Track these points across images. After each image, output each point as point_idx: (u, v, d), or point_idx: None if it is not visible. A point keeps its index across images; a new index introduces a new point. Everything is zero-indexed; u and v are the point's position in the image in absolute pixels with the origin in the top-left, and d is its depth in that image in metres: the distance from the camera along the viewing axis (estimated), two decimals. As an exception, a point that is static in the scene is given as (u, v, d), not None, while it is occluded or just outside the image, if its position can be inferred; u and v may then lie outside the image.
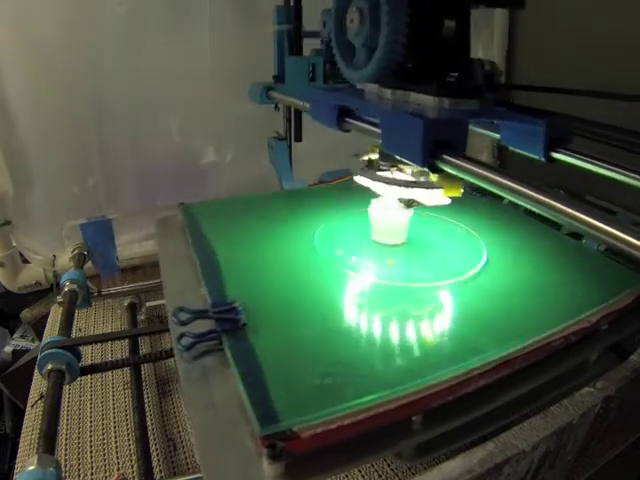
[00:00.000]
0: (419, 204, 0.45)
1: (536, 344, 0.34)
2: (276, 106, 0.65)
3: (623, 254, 0.21)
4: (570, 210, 0.23)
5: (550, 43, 0.82)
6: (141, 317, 0.65)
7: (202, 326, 0.35)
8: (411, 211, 0.47)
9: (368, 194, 0.48)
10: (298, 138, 0.69)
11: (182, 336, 0.34)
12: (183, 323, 0.35)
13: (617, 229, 0.21)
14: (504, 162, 0.95)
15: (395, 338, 0.35)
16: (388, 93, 0.39)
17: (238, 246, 0.48)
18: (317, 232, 0.51)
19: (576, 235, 0.52)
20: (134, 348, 0.56)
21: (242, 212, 0.56)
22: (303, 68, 0.53)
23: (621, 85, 0.42)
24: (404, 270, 0.45)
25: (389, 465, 0.42)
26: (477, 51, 0.89)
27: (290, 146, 0.70)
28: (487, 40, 0.89)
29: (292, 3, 0.57)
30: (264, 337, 0.34)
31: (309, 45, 0.57)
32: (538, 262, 0.46)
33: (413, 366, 0.32)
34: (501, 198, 0.62)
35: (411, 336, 0.36)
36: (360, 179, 0.45)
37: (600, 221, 0.22)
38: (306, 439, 0.26)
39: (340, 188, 0.65)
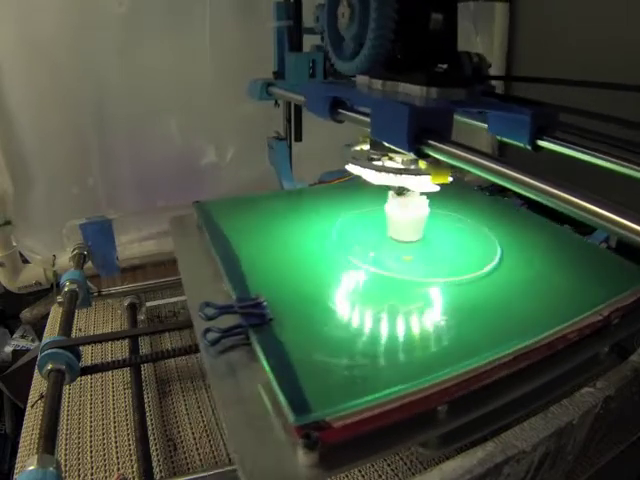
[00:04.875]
0: (410, 191, 0.46)
1: (553, 336, 0.35)
2: (276, 102, 0.65)
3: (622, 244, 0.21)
4: (556, 191, 0.23)
5: (550, 43, 0.82)
6: (141, 317, 0.65)
7: (225, 322, 0.35)
8: (427, 209, 0.48)
9: (382, 192, 0.49)
10: (298, 138, 0.69)
11: (208, 331, 0.35)
12: (210, 318, 0.36)
13: (605, 209, 0.21)
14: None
15: (418, 331, 0.36)
16: (378, 84, 0.40)
17: (256, 242, 0.48)
18: (335, 229, 0.51)
19: (584, 233, 0.53)
20: (134, 348, 0.56)
21: (257, 210, 0.57)
22: (303, 64, 0.53)
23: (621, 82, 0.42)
24: (422, 266, 0.46)
25: (389, 465, 0.42)
26: (477, 50, 0.89)
27: (290, 146, 0.70)
28: (488, 40, 0.89)
29: (292, -1, 0.57)
30: (290, 331, 0.35)
31: (309, 41, 0.57)
32: (550, 258, 0.47)
33: (438, 357, 0.33)
34: (500, 198, 0.62)
35: (434, 329, 0.36)
36: (351, 167, 0.46)
37: (588, 202, 0.22)
38: (338, 429, 0.27)
39: (353, 186, 0.65)
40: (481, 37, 0.88)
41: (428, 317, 0.38)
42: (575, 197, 0.22)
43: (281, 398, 0.28)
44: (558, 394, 0.36)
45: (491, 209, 0.59)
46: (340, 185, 0.67)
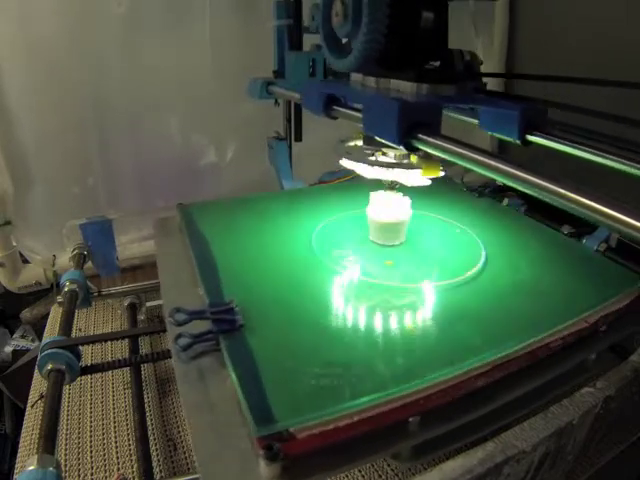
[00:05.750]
0: (402, 185, 0.46)
1: (534, 345, 0.34)
2: (276, 101, 0.65)
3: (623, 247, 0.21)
4: (544, 183, 0.23)
5: (550, 43, 0.82)
6: (141, 317, 0.65)
7: (200, 326, 0.35)
8: (409, 212, 0.48)
9: (367, 194, 0.48)
10: (298, 138, 0.69)
11: (179, 336, 0.34)
12: (180, 324, 0.35)
13: (603, 205, 0.21)
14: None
15: (392, 339, 0.35)
16: (372, 81, 0.41)
17: (236, 246, 0.48)
18: (315, 232, 0.50)
19: (576, 235, 0.52)
20: (134, 348, 0.56)
21: (240, 212, 0.56)
22: (303, 63, 0.53)
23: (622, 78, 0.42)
24: (402, 271, 0.45)
25: (389, 465, 0.42)
26: (477, 49, 0.89)
27: (290, 146, 0.70)
28: (488, 40, 0.89)
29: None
30: (261, 338, 0.34)
31: (309, 40, 0.57)
32: (537, 263, 0.46)
33: (410, 367, 0.32)
34: (500, 198, 0.62)
35: (408, 337, 0.36)
36: (345, 162, 0.46)
37: (587, 197, 0.22)
38: (302, 440, 0.27)
39: (339, 188, 0.65)
40: (481, 37, 0.88)
41: (403, 325, 0.37)
42: (563, 188, 0.22)
43: (245, 407, 0.28)
44: (542, 403, 0.35)
45: (478, 211, 0.58)
46: (338, 186, 0.66)
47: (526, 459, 0.33)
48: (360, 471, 0.42)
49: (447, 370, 0.31)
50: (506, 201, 0.61)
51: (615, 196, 0.21)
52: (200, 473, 0.27)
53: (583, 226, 0.52)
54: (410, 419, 0.29)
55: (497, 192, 0.63)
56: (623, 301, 0.40)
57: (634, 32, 0.67)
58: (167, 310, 0.37)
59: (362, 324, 0.37)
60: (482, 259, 0.46)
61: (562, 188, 0.23)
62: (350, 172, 0.62)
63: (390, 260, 0.46)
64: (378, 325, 0.37)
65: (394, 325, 0.37)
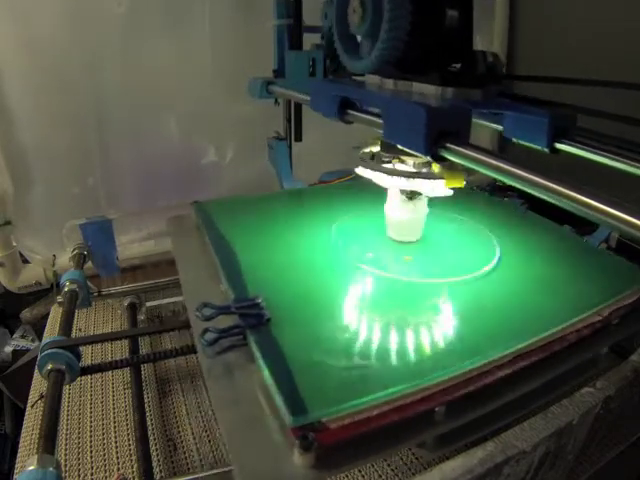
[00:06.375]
0: (421, 195, 0.45)
1: (551, 337, 0.35)
2: (276, 101, 0.65)
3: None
4: (579, 196, 0.22)
5: (550, 43, 0.82)
6: (141, 317, 0.65)
7: (223, 322, 0.35)
8: (426, 208, 0.48)
9: (382, 192, 0.49)
10: (298, 138, 0.69)
11: (206, 331, 0.35)
12: (208, 318, 0.36)
13: (629, 214, 0.20)
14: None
15: (417, 331, 0.36)
16: (390, 83, 0.39)
17: (255, 243, 0.48)
18: (333, 229, 0.51)
19: (582, 232, 0.53)
20: (134, 348, 0.56)
21: (256, 210, 0.57)
22: (303, 62, 0.53)
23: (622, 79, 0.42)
24: (421, 266, 0.46)
25: (389, 465, 0.42)
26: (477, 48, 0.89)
27: (290, 146, 0.70)
28: (488, 40, 0.89)
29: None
30: (288, 331, 0.35)
31: (309, 40, 0.57)
32: (549, 259, 0.47)
33: (436, 358, 0.33)
34: (499, 197, 0.62)
35: (433, 329, 0.36)
36: (361, 170, 0.45)
37: (611, 206, 0.21)
38: (335, 430, 0.27)
39: (354, 186, 0.65)
40: (481, 37, 0.88)
41: (426, 318, 0.38)
42: (611, 207, 0.21)
43: (278, 399, 0.28)
44: (558, 394, 0.36)
45: (490, 209, 0.59)
46: (340, 185, 0.67)
47: (526, 459, 0.33)
48: (360, 471, 0.42)
49: (471, 361, 0.32)
50: (506, 200, 0.61)
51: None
52: (234, 466, 0.27)
53: (583, 226, 0.52)
54: (436, 409, 0.30)
55: (496, 191, 0.63)
56: (635, 295, 0.40)
57: (634, 32, 0.67)
58: (191, 306, 0.38)
59: (387, 318, 0.37)
60: (497, 255, 0.46)
61: (584, 193, 0.22)
62: (350, 172, 0.62)
63: (409, 256, 0.47)
64: (402, 318, 0.37)
65: (417, 318, 0.38)
